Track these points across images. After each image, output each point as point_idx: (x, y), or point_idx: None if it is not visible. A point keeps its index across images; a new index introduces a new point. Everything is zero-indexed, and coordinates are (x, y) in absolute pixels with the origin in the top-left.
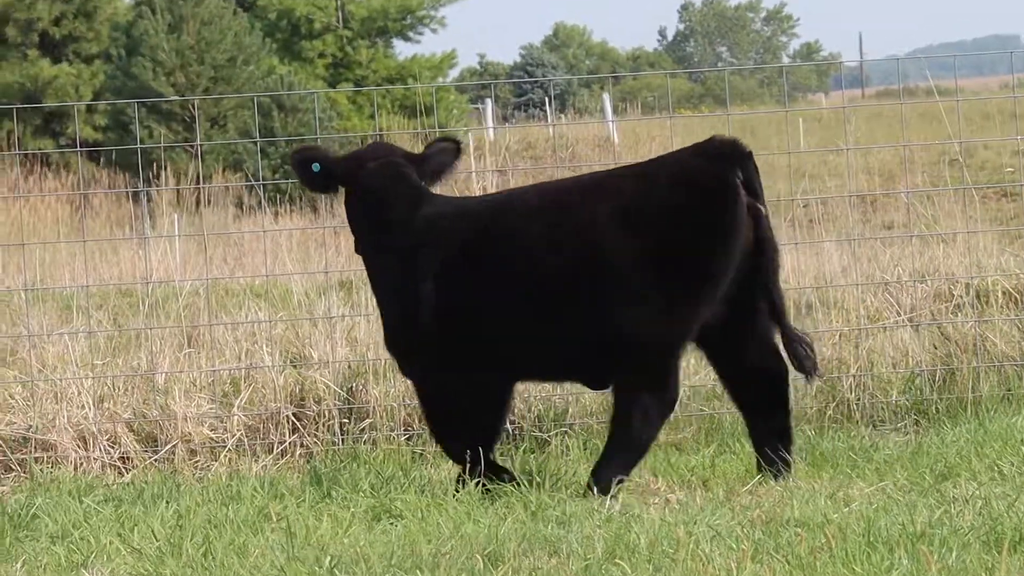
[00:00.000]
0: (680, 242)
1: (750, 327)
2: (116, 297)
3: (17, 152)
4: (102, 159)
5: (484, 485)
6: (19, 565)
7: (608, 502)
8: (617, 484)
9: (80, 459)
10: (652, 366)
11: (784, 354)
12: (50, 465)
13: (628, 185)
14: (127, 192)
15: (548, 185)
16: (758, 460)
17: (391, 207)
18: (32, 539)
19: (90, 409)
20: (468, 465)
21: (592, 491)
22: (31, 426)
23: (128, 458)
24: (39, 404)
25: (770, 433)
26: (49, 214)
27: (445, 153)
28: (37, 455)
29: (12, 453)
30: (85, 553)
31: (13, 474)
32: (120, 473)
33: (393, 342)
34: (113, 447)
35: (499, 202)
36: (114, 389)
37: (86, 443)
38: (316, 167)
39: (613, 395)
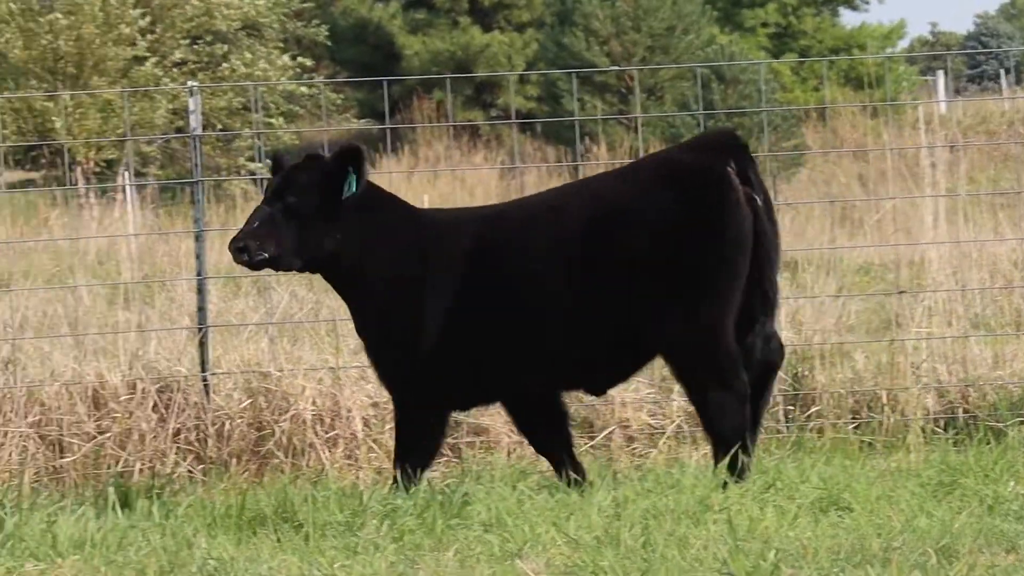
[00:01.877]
0: (686, 239)
1: (746, 319)
2: None
3: (449, 123)
4: (533, 131)
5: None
6: (451, 553)
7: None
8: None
9: (513, 444)
10: (708, 362)
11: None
12: (482, 450)
13: (618, 187)
14: (560, 165)
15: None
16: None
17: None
18: (464, 527)
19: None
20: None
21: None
22: None
23: None
24: None
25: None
26: (479, 189)
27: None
28: (469, 440)
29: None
30: (519, 542)
31: (444, 459)
32: None
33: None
34: None
35: (495, 215)
36: None
37: None
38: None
39: (691, 400)
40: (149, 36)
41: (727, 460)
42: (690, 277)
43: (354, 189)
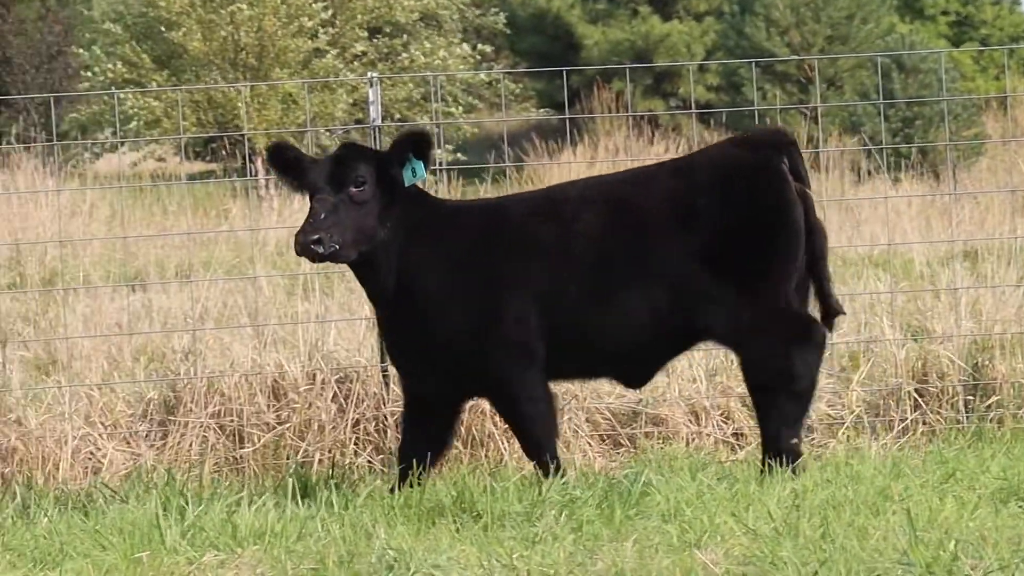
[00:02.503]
0: (751, 231)
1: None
2: None
3: (628, 114)
4: (712, 121)
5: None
6: (629, 544)
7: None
8: (795, 444)
9: (692, 434)
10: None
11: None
12: (660, 440)
13: (678, 179)
14: None
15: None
16: None
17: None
18: (643, 517)
19: (702, 383)
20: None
21: (778, 459)
22: (641, 400)
23: (742, 434)
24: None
25: None
26: None
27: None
28: (647, 430)
29: (622, 428)
30: (697, 532)
31: (623, 449)
32: (733, 450)
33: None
34: (726, 422)
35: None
36: (727, 362)
37: (698, 418)
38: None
39: (753, 387)
40: (330, 29)
41: (784, 460)
42: (750, 269)
43: (421, 175)
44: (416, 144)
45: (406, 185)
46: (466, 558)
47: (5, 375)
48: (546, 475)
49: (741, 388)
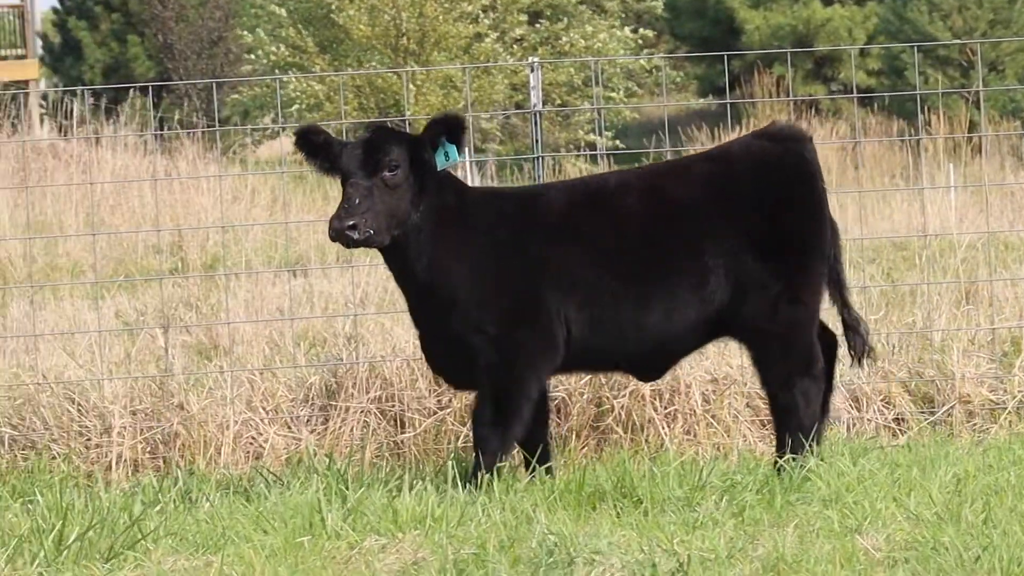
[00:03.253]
0: (788, 223)
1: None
2: (889, 251)
3: (789, 98)
4: (874, 105)
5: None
6: (790, 529)
7: None
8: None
9: (853, 420)
10: (797, 349)
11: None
12: None
13: (716, 170)
14: (899, 140)
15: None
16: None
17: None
18: (803, 502)
19: (863, 368)
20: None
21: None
22: None
23: (903, 419)
24: None
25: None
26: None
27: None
28: None
29: None
30: (859, 518)
31: None
32: (894, 435)
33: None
34: (887, 408)
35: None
36: (888, 347)
37: (859, 403)
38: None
39: (767, 383)
40: (491, 13)
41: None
42: (788, 260)
43: (455, 159)
44: (450, 128)
45: (439, 169)
46: (627, 543)
47: (168, 360)
48: (480, 469)
49: (903, 373)
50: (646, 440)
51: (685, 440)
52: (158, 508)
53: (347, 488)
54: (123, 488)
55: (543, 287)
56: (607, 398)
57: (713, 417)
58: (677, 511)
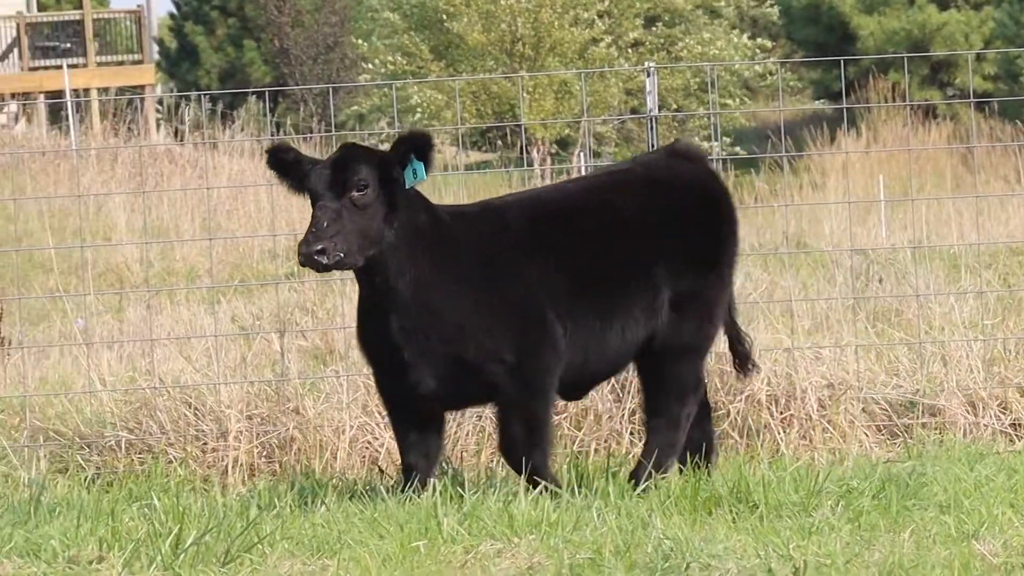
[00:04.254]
0: (704, 244)
1: None
2: (1006, 256)
3: (905, 103)
4: (990, 110)
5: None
6: (906, 534)
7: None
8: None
9: (969, 425)
10: (694, 368)
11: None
12: (937, 431)
13: (626, 193)
14: (1017, 144)
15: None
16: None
17: None
18: (920, 508)
19: (979, 373)
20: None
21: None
22: (918, 390)
23: (1020, 424)
24: (926, 367)
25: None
26: (930, 167)
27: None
28: (924, 420)
29: (898, 418)
30: (975, 523)
31: (899, 440)
32: (1011, 440)
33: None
34: (1004, 413)
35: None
36: (1005, 352)
37: (975, 408)
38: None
39: (650, 402)
40: (607, 19)
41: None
42: (707, 279)
43: (422, 176)
44: (417, 146)
45: (407, 187)
46: (742, 548)
47: (283, 364)
48: (547, 484)
49: (1019, 379)
50: (762, 445)
51: (801, 445)
52: (274, 512)
53: (463, 493)
54: (239, 492)
55: (544, 303)
56: (723, 403)
57: (829, 422)
58: (793, 516)
